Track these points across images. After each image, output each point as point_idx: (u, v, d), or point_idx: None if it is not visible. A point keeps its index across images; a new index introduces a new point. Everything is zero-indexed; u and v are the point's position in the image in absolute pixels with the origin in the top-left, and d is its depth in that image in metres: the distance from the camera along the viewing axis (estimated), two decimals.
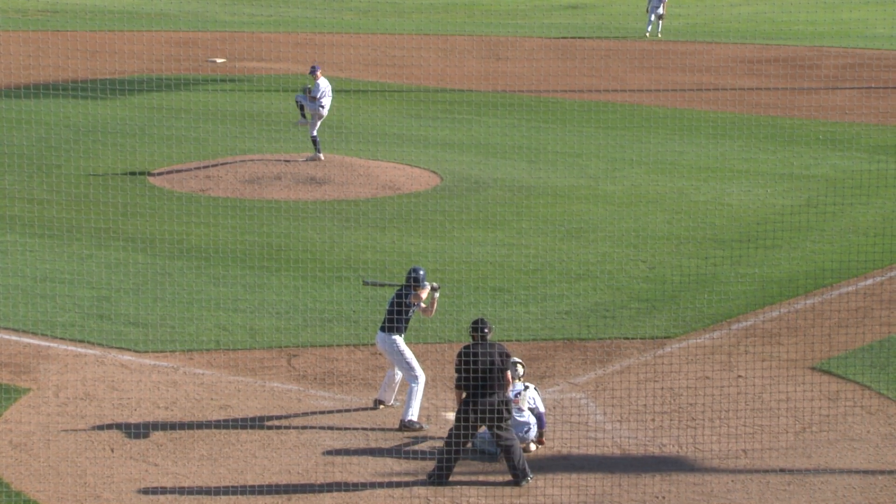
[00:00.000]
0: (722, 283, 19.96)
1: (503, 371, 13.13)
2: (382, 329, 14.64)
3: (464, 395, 13.12)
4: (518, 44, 44.76)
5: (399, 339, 14.58)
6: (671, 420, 14.72)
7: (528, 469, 13.15)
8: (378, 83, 37.72)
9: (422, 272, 14.71)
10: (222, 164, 27.12)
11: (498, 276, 20.21)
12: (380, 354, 15.68)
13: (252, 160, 27.44)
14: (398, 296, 14.65)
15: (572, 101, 34.36)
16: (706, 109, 33.17)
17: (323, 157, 26.71)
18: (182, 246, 21.35)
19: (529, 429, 13.87)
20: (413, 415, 14.43)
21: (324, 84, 26.61)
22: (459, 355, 13.12)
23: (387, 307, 14.76)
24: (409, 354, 14.61)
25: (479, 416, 13.02)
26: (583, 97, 34.87)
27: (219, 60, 41.02)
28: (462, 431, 13.04)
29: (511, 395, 13.66)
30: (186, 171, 26.84)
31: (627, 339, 17.29)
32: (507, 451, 13.10)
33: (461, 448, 13.08)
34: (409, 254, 21.20)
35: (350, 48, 41.73)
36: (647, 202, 24.75)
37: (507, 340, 17.24)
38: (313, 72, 26.71)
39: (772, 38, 44.31)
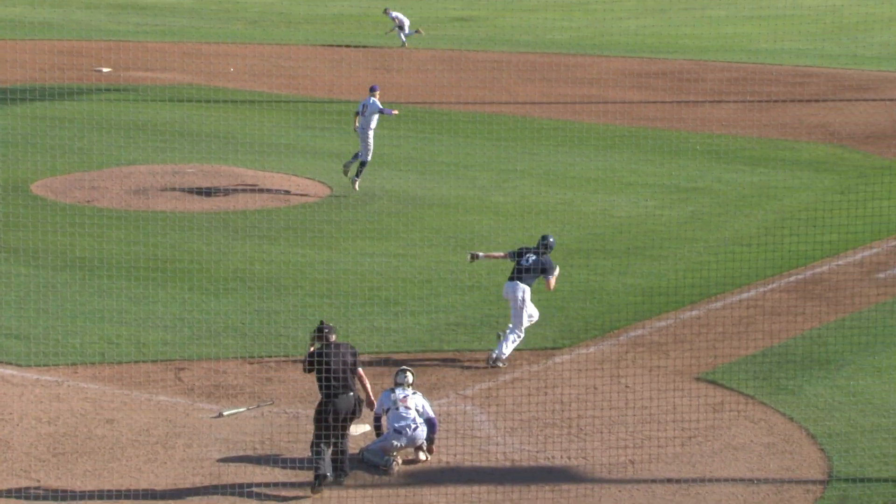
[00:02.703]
0: (609, 294, 20.18)
1: (354, 369, 13.50)
2: (514, 279, 16.96)
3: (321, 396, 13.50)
4: (408, 55, 44.84)
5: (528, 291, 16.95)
6: (560, 431, 14.83)
7: (347, 469, 13.52)
8: (268, 94, 37.52)
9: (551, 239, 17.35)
10: (108, 175, 26.75)
11: (388, 287, 20.20)
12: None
13: (139, 171, 27.10)
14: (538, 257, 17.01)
15: (462, 113, 34.51)
16: (594, 122, 33.52)
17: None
18: (67, 258, 21.01)
19: (417, 427, 13.89)
20: (505, 353, 16.78)
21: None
22: (311, 357, 13.44)
23: (523, 264, 16.86)
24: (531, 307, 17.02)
25: (337, 414, 13.37)
26: (472, 109, 35.04)
27: (105, 70, 40.46)
28: (322, 432, 13.31)
29: (399, 395, 13.92)
30: (71, 181, 26.42)
31: (517, 349, 17.36)
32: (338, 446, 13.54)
33: (327, 447, 13.32)
34: (298, 265, 21.11)
35: (239, 58, 41.45)
36: (535, 213, 24.92)
37: (396, 352, 17.27)
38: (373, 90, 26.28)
39: (657, 51, 44.95)
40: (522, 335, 17.10)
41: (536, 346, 17.64)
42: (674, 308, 19.43)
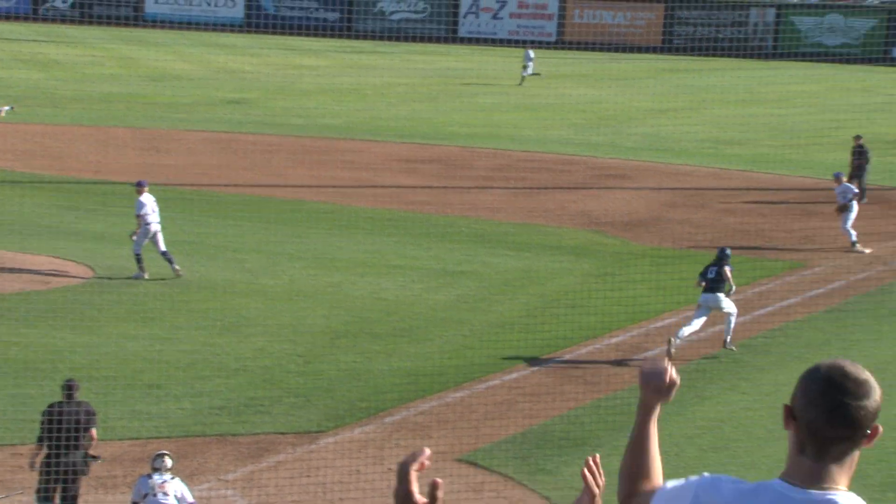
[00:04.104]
0: (376, 377, 20.31)
1: (87, 429, 13.60)
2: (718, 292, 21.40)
3: (45, 451, 13.51)
4: (179, 137, 44.46)
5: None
6: None
7: None
8: (31, 174, 36.60)
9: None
10: None
11: (151, 371, 19.87)
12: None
13: None
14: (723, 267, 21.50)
15: (232, 195, 34.36)
16: (364, 206, 33.82)
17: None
18: None
19: None
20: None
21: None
22: (43, 413, 13.48)
23: (711, 276, 21.57)
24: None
25: (60, 471, 13.39)
26: (243, 191, 34.94)
27: None
28: (44, 486, 13.30)
29: (157, 481, 13.77)
30: None
31: (281, 433, 17.30)
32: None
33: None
34: (57, 349, 20.57)
35: (1, 137, 40.37)
36: (305, 296, 24.94)
37: (157, 437, 16.97)
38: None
39: (428, 137, 45.72)
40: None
41: (301, 429, 17.60)
42: (438, 390, 19.68)
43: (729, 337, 21.71)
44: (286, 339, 22.02)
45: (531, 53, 64.03)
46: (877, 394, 3.87)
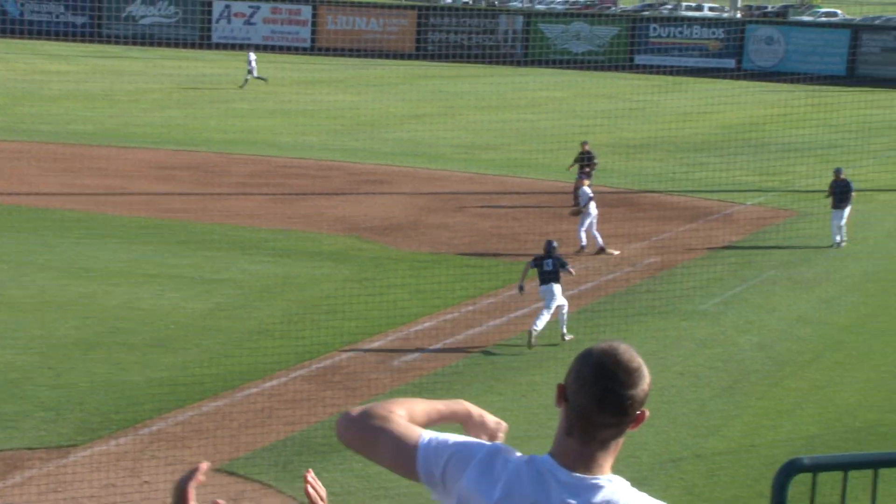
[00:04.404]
0: (131, 388, 19.83)
1: None
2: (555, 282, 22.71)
3: None
4: None
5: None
6: None
7: None
8: None
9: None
10: None
11: None
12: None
13: None
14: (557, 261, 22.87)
15: None
16: (118, 214, 33.02)
17: None
18: None
19: None
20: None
21: None
22: None
23: (548, 269, 22.73)
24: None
25: None
26: None
27: None
28: None
29: None
30: None
31: (31, 449, 16.72)
32: None
33: None
34: None
35: None
36: (55, 307, 24.16)
37: None
38: None
39: (183, 144, 44.99)
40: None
41: (51, 444, 17.05)
42: (197, 400, 19.36)
43: (565, 328, 22.94)
44: (36, 352, 21.29)
45: (253, 56, 63.83)
46: (647, 381, 3.93)
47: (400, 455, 4.09)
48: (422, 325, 23.85)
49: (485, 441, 4.12)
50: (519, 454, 4.01)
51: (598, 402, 3.85)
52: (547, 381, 19.76)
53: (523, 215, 34.44)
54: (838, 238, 31.09)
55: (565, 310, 23.06)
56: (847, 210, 30.92)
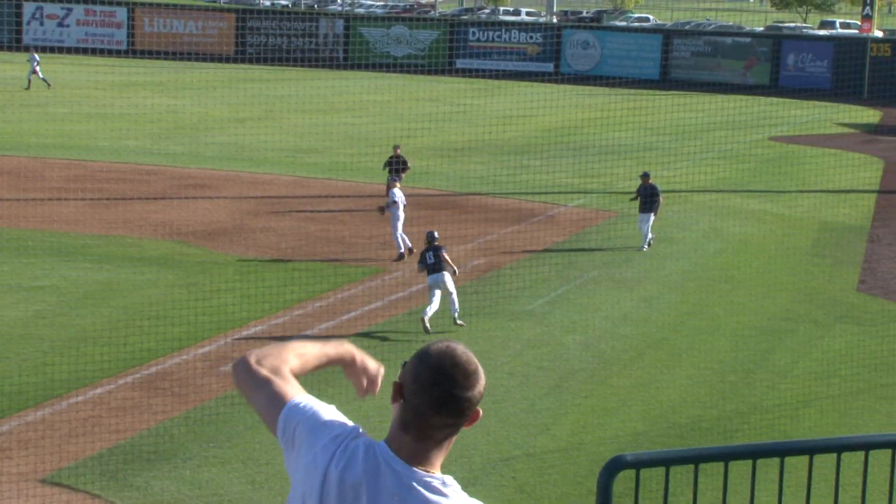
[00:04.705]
0: None
1: None
2: (442, 271, 23.62)
3: None
4: None
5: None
6: None
7: None
8: None
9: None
10: None
11: None
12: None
13: None
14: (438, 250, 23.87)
15: None
16: None
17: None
18: None
19: None
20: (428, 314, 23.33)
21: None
22: None
23: (430, 261, 23.64)
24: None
25: None
26: None
27: None
28: None
29: None
30: None
31: None
32: None
33: None
34: None
35: None
36: None
37: None
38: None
39: None
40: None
41: None
42: (18, 410, 18.81)
43: (456, 314, 23.90)
44: None
45: (36, 56, 62.57)
46: (482, 382, 4.00)
47: (270, 410, 4.22)
48: (250, 329, 23.61)
49: (341, 420, 4.16)
50: (365, 437, 4.07)
51: (436, 403, 3.91)
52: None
53: (349, 219, 34.41)
54: (648, 241, 31.68)
55: (454, 296, 23.88)
56: (653, 214, 31.46)
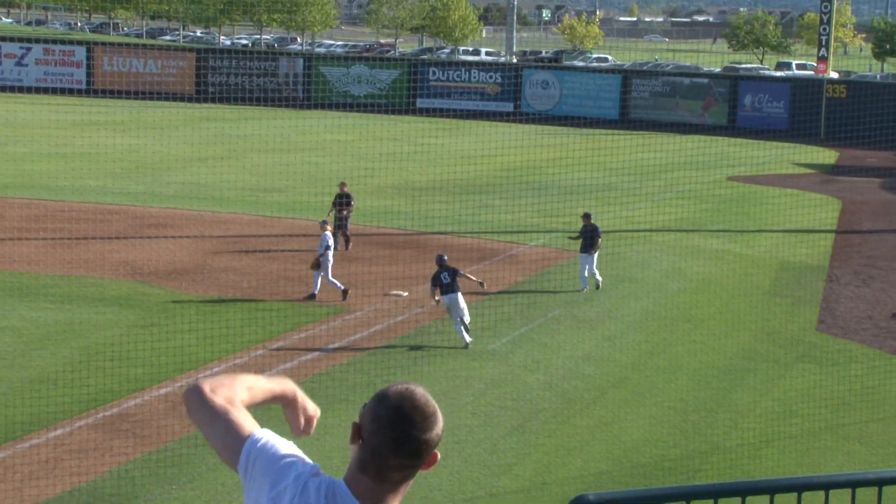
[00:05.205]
0: None
1: None
2: (457, 291, 25.55)
3: None
4: None
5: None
6: None
7: None
8: None
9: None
10: None
11: None
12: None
13: None
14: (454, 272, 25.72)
15: None
16: None
17: None
18: None
19: None
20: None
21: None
22: None
23: (446, 281, 25.51)
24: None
25: None
26: None
27: None
28: None
29: None
30: None
31: None
32: None
33: None
34: None
35: None
36: None
37: None
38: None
39: None
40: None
41: None
42: None
43: (467, 334, 25.74)
44: None
45: None
46: (440, 425, 4.05)
47: (228, 444, 4.22)
48: (211, 369, 23.51)
49: (301, 458, 4.19)
50: (324, 476, 4.11)
51: (394, 444, 3.96)
52: (340, 424, 19.72)
53: (311, 258, 34.39)
54: (593, 281, 31.52)
55: (467, 319, 25.54)
56: (595, 255, 31.45)
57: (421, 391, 4.02)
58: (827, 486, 5.72)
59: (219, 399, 4.28)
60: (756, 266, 36.26)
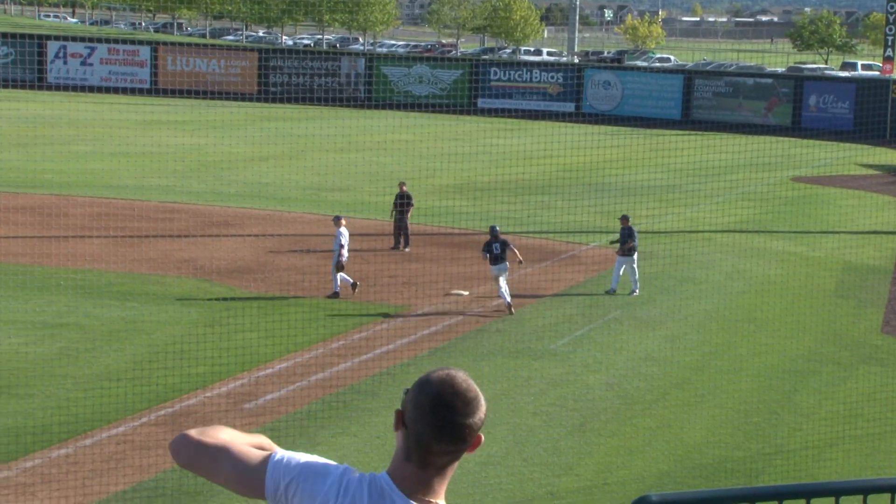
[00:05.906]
0: None
1: None
2: (506, 261, 28.30)
3: None
4: None
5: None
6: None
7: None
8: None
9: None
10: None
11: None
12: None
13: None
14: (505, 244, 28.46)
15: None
16: None
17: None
18: None
19: None
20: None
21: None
22: None
23: (497, 252, 28.26)
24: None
25: None
26: None
27: None
28: None
29: None
30: None
31: None
32: None
33: None
34: None
35: None
36: None
37: None
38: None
39: (19, 186, 43.97)
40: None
41: None
42: (43, 447, 18.85)
43: (510, 299, 28.20)
44: None
45: None
46: (483, 409, 4.02)
47: (247, 474, 4.13)
48: (273, 367, 23.64)
49: (330, 463, 4.17)
50: (359, 473, 4.09)
51: (437, 431, 3.94)
52: None
53: (372, 257, 34.46)
54: (629, 285, 31.16)
55: (507, 295, 28.02)
56: (633, 257, 31.08)
57: (462, 376, 3.99)
58: (892, 488, 5.64)
59: (210, 439, 4.22)
60: (820, 267, 35.91)
